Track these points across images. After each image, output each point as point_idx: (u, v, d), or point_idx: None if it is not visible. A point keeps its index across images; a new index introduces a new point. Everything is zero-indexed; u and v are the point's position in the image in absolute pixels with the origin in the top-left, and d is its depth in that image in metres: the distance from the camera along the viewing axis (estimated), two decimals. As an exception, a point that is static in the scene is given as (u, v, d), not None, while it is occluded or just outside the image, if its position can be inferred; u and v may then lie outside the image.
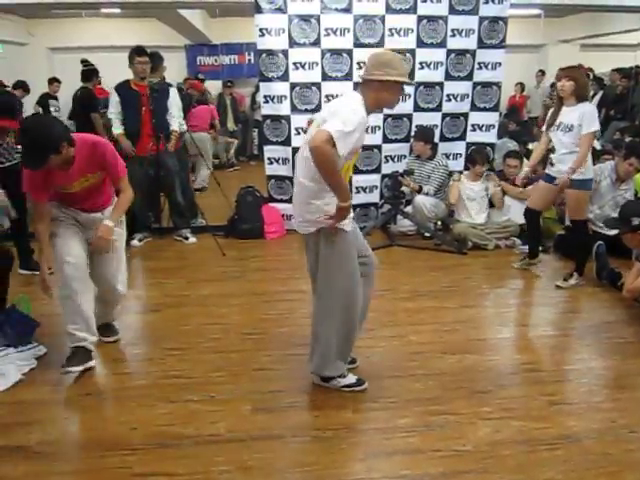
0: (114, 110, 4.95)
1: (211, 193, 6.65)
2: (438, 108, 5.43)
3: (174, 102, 5.11)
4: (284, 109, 5.25)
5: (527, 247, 4.58)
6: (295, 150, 5.32)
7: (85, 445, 2.41)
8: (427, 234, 5.30)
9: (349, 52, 5.15)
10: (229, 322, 3.55)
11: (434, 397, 2.68)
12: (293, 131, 5.29)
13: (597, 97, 8.62)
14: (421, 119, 5.41)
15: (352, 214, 2.55)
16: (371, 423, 2.50)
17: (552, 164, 4.04)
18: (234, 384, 2.81)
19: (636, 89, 8.43)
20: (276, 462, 2.26)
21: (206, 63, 11.24)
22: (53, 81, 8.90)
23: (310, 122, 2.82)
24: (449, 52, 5.25)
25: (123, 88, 4.95)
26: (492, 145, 5.62)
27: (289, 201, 5.51)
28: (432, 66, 5.25)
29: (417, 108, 5.38)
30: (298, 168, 2.57)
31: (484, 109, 5.47)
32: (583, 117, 3.76)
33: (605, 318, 3.59)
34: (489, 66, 5.33)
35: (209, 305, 3.81)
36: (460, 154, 5.61)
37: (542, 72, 10.52)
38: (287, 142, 5.33)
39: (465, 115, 5.46)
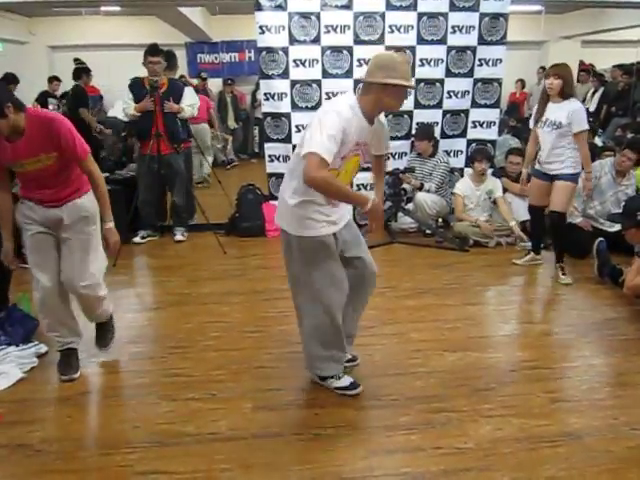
0: (125, 105, 5.01)
1: (212, 191, 6.64)
2: (439, 105, 5.41)
3: (187, 98, 5.12)
4: (284, 107, 5.24)
5: (529, 244, 4.59)
6: (296, 147, 5.32)
7: (87, 443, 2.40)
8: (428, 231, 5.30)
9: (349, 49, 5.14)
10: (230, 320, 3.55)
11: (435, 395, 2.68)
12: (294, 128, 5.28)
13: (598, 94, 8.60)
14: (422, 116, 5.40)
15: (338, 216, 2.51)
16: (372, 421, 2.50)
17: (540, 161, 4.08)
18: (235, 382, 2.81)
19: (637, 85, 8.40)
20: (277, 460, 2.26)
21: (206, 61, 11.22)
22: (53, 79, 8.86)
23: None
24: (449, 49, 5.23)
25: (136, 86, 4.96)
26: (493, 142, 5.60)
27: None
28: (432, 63, 5.24)
29: (418, 105, 5.37)
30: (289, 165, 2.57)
31: (485, 106, 5.46)
32: (573, 116, 3.80)
33: (607, 315, 3.58)
34: (490, 63, 5.31)
35: (210, 303, 3.81)
36: (461, 151, 5.60)
37: (543, 69, 10.47)
38: (288, 139, 5.32)
39: (466, 112, 5.45)
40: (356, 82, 5.22)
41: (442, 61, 5.27)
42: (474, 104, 5.45)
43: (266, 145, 5.47)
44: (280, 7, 5.00)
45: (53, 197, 2.70)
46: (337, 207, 2.50)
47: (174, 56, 5.56)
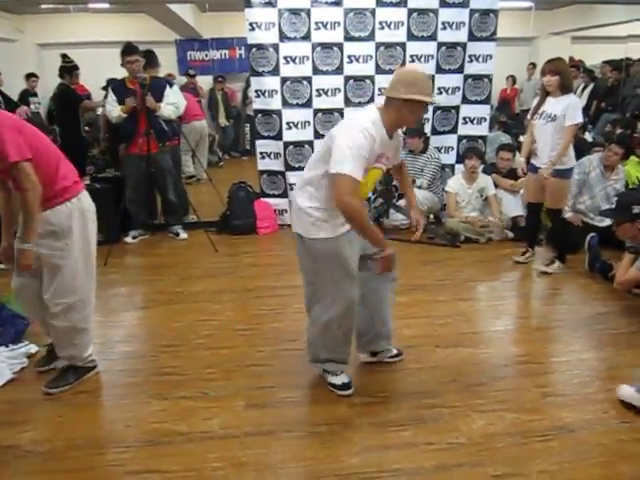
0: (111, 107, 4.91)
1: (203, 189, 6.62)
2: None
3: (169, 97, 5.04)
4: (275, 103, 5.22)
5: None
6: (287, 144, 5.32)
7: (78, 443, 2.38)
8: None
9: (340, 46, 5.13)
10: (222, 318, 3.53)
11: (427, 391, 2.68)
12: (284, 125, 5.27)
13: (588, 89, 8.64)
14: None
15: None
16: (365, 417, 2.49)
17: (536, 154, 4.09)
18: (227, 380, 2.80)
19: (627, 81, 8.45)
20: (270, 458, 2.25)
21: (197, 58, 11.16)
22: (30, 76, 8.57)
23: None
24: (440, 45, 5.23)
25: (119, 87, 4.91)
26: (484, 138, 5.61)
27: (282, 196, 5.52)
28: (423, 59, 5.23)
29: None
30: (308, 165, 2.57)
31: (475, 102, 5.46)
32: (567, 109, 3.81)
33: (597, 310, 3.60)
34: (480, 59, 5.32)
35: (201, 301, 3.80)
36: (452, 147, 5.61)
37: (533, 65, 10.52)
38: (279, 136, 5.31)
39: (456, 108, 5.45)
40: (347, 78, 5.23)
41: (432, 57, 5.26)
42: (465, 100, 5.45)
43: (257, 142, 5.45)
44: (270, 4, 4.98)
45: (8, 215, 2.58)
46: None
47: (153, 54, 5.49)
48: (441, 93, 5.38)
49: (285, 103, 5.23)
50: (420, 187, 5.26)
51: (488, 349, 3.12)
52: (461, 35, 5.23)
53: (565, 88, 3.88)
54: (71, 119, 6.04)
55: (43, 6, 9.01)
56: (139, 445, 2.33)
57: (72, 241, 2.58)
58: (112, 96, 4.92)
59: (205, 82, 10.43)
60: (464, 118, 5.51)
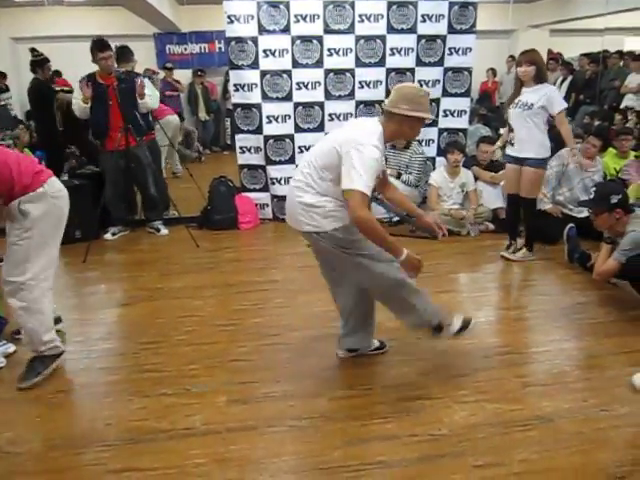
0: (76, 100, 4.82)
1: (184, 184, 6.55)
2: (410, 94, 5.41)
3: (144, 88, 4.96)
4: (255, 97, 5.19)
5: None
6: (267, 138, 5.29)
7: (58, 443, 2.35)
8: (396, 218, 5.31)
9: (319, 39, 5.10)
10: (203, 314, 3.51)
11: (410, 382, 2.69)
12: (264, 119, 5.24)
13: (567, 82, 8.72)
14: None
15: None
16: (347, 411, 2.49)
17: (512, 144, 4.13)
18: (209, 376, 2.78)
19: (604, 74, 8.54)
20: (252, 453, 2.24)
21: (176, 52, 11.02)
22: None
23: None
24: (420, 38, 5.23)
25: (90, 81, 4.80)
26: (464, 131, 5.64)
27: (263, 190, 5.50)
28: (403, 52, 5.23)
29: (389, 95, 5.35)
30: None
31: (455, 95, 5.48)
32: (548, 99, 3.89)
33: (577, 299, 3.65)
34: (460, 51, 5.33)
35: (183, 297, 3.77)
36: (432, 140, 5.62)
37: (512, 58, 10.56)
38: (259, 130, 5.27)
39: (437, 101, 5.46)
40: (327, 72, 5.20)
41: (412, 50, 5.26)
42: (445, 93, 5.46)
43: (237, 136, 5.41)
44: (249, -4, 4.94)
45: None
46: None
47: (126, 49, 5.42)
48: (421, 86, 5.37)
49: (265, 97, 5.19)
50: (406, 182, 5.26)
51: (469, 340, 3.12)
52: (441, 28, 5.23)
53: (540, 78, 3.94)
54: (46, 114, 5.93)
55: (17, -1, 8.84)
56: (120, 443, 2.31)
57: (29, 222, 2.62)
58: (79, 90, 4.81)
59: (184, 76, 10.33)
60: (444, 111, 5.52)
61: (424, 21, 5.20)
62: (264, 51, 5.08)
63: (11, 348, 3.03)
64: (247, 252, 4.82)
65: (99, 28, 9.38)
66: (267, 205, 5.54)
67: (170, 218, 5.44)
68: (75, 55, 8.75)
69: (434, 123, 5.54)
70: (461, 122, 5.58)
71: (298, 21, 5.05)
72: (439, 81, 5.39)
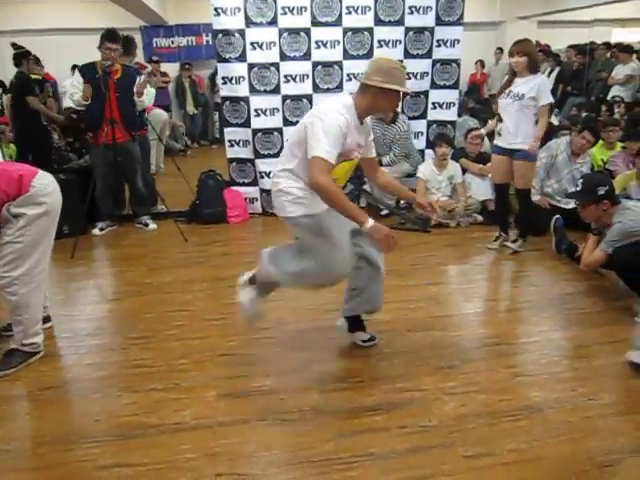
0: (74, 90, 4.76)
1: (171, 178, 6.51)
2: (399, 86, 5.40)
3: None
4: (242, 90, 5.16)
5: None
6: (255, 132, 5.26)
7: (47, 440, 2.33)
8: (384, 212, 5.31)
9: (307, 31, 5.08)
10: (193, 309, 3.50)
11: (400, 375, 2.70)
12: (253, 112, 5.21)
13: (554, 73, 8.76)
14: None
15: None
16: (337, 403, 2.50)
17: (500, 134, 4.14)
18: (198, 371, 2.77)
19: (591, 65, 8.59)
20: (243, 447, 2.24)
21: (162, 45, 10.93)
22: None
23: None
24: (407, 30, 5.21)
25: (89, 70, 4.74)
26: (453, 123, 5.64)
27: (251, 184, 5.48)
28: (391, 44, 5.22)
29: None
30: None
31: (444, 87, 5.47)
32: (538, 90, 3.90)
33: (565, 290, 3.67)
34: (448, 43, 5.32)
35: (172, 292, 3.75)
36: (422, 132, 5.62)
37: (500, 50, 10.61)
38: (247, 124, 5.25)
39: (425, 93, 5.46)
40: (315, 64, 5.18)
41: (400, 42, 5.24)
42: (433, 85, 5.46)
43: (225, 130, 5.38)
44: (235, -12, 4.90)
45: None
46: None
47: (133, 42, 5.39)
48: (410, 78, 5.35)
49: (253, 90, 5.16)
50: (389, 164, 5.23)
51: (459, 332, 3.16)
52: (428, 20, 5.22)
53: (533, 69, 3.94)
54: (27, 107, 5.85)
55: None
56: (109, 439, 2.30)
57: (23, 221, 2.67)
58: (79, 78, 4.76)
59: (172, 69, 10.25)
60: (433, 103, 5.52)
61: (411, 13, 5.19)
62: (251, 44, 5.05)
63: None
64: (237, 246, 4.81)
65: (85, 21, 9.34)
66: (256, 199, 5.52)
67: (158, 213, 5.41)
68: (60, 48, 8.69)
69: (423, 115, 5.54)
70: (450, 114, 5.59)
71: (285, 13, 5.01)
72: (427, 73, 5.39)
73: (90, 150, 5.08)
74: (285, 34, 5.05)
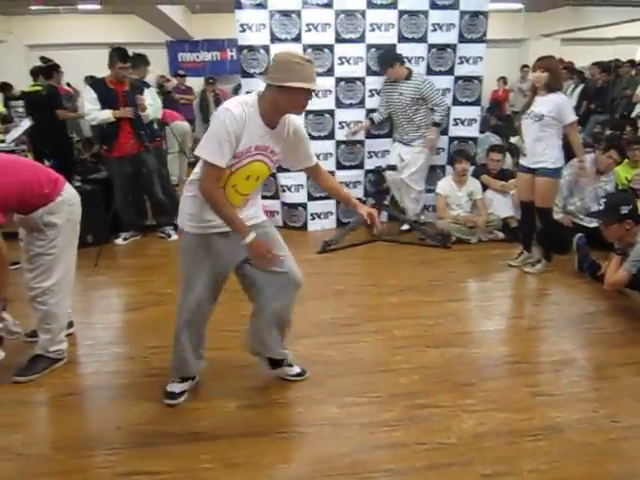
0: (94, 106, 4.84)
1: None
2: (420, 103, 5.43)
3: (148, 96, 5.04)
4: (266, 105, 5.20)
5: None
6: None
7: (68, 445, 2.37)
8: (405, 227, 5.32)
9: (330, 47, 5.13)
10: (213, 320, 3.45)
11: (418, 391, 2.69)
12: (275, 127, 5.25)
13: (578, 90, 8.71)
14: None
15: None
16: (355, 418, 2.50)
17: (524, 154, 4.12)
18: (218, 381, 2.79)
19: (615, 83, 8.52)
20: (261, 459, 2.25)
21: (188, 60, 11.15)
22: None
23: None
24: (430, 47, 5.25)
25: (99, 86, 4.85)
26: (474, 139, 5.63)
27: (272, 197, 5.52)
28: (414, 61, 5.24)
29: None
30: None
31: (466, 103, 5.48)
32: (559, 110, 3.88)
33: (586, 309, 3.63)
34: (470, 60, 5.33)
35: (192, 303, 3.77)
36: (443, 149, 5.61)
37: (526, 67, 10.61)
38: (270, 138, 5.29)
39: (448, 109, 5.46)
40: (338, 80, 5.23)
41: (423, 59, 5.28)
42: (455, 102, 5.47)
43: (248, 143, 5.43)
44: (261, 5, 4.97)
45: None
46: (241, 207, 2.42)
47: (142, 58, 5.52)
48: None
49: (276, 104, 5.21)
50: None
51: (478, 349, 3.13)
52: (451, 37, 5.25)
53: (552, 87, 3.91)
54: (59, 122, 6.00)
55: (32, 7, 8.97)
56: (129, 447, 2.33)
57: (56, 232, 2.74)
58: (91, 94, 4.82)
59: (196, 83, 10.43)
60: (455, 119, 5.52)
61: (435, 30, 5.22)
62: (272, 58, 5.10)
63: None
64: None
65: (111, 36, 9.55)
66: (277, 212, 5.56)
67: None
68: (87, 62, 8.89)
69: (445, 132, 5.54)
70: (471, 131, 5.58)
71: (310, 30, 5.08)
72: (449, 90, 5.40)
73: (106, 163, 5.18)
74: (309, 50, 5.11)
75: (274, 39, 5.06)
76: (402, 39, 5.20)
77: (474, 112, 5.54)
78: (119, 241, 5.11)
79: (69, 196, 2.82)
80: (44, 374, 2.86)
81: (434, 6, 5.15)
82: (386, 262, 4.61)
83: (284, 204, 5.50)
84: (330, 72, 5.19)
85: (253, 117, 2.22)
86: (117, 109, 4.77)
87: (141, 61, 5.58)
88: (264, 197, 5.46)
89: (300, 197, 5.37)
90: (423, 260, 4.60)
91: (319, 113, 5.29)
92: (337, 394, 2.67)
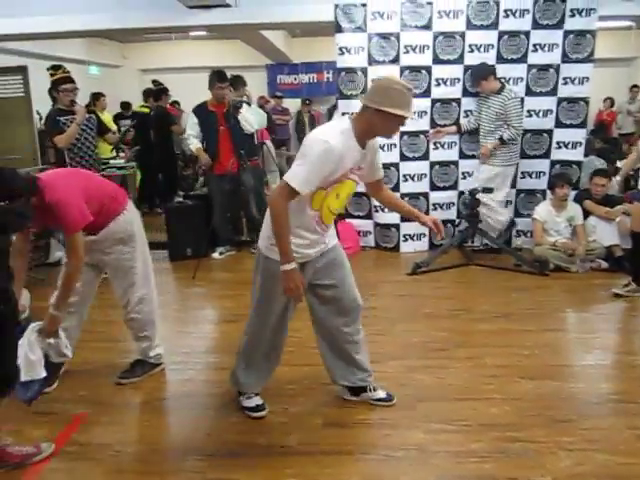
0: (192, 131, 5.16)
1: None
2: (519, 124, 5.28)
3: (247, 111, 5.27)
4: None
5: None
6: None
7: (161, 447, 2.49)
8: (495, 246, 5.18)
9: (428, 69, 5.13)
10: (301, 336, 3.54)
11: (511, 423, 2.58)
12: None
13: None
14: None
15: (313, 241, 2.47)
16: (443, 445, 2.43)
17: None
18: (306, 397, 2.83)
19: None
20: (345, 478, 2.24)
21: (286, 82, 11.54)
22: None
23: None
24: (530, 67, 5.11)
25: (201, 110, 5.15)
26: (579, 163, 5.38)
27: (366, 217, 5.56)
28: (512, 81, 5.12)
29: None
30: None
31: (570, 125, 5.25)
32: None
33: (702, 349, 3.34)
34: (575, 81, 5.12)
35: (283, 318, 3.86)
36: (543, 172, 5.39)
37: (636, 87, 10.03)
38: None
39: (549, 132, 5.27)
40: (434, 101, 5.21)
41: (522, 79, 5.14)
42: (558, 124, 5.26)
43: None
44: (360, 29, 5.08)
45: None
46: (318, 234, 2.47)
47: (240, 79, 5.87)
48: (531, 116, 5.23)
49: (372, 126, 5.26)
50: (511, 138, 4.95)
51: (577, 384, 2.96)
52: (554, 57, 5.07)
53: None
54: (167, 139, 6.41)
55: (146, 35, 9.67)
56: (218, 454, 2.40)
57: (136, 243, 2.91)
58: (193, 119, 5.17)
59: (293, 104, 10.75)
60: (558, 142, 5.30)
61: (535, 50, 5.08)
62: (373, 81, 5.16)
63: None
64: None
65: (217, 60, 10.08)
66: (370, 232, 5.58)
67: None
68: (193, 85, 9.42)
69: (546, 155, 5.33)
70: (575, 154, 5.33)
71: (408, 52, 5.11)
72: (551, 111, 5.21)
73: (206, 180, 5.45)
74: (406, 72, 5.13)
75: (372, 61, 5.14)
76: (500, 59, 5.10)
77: (579, 135, 5.31)
78: (216, 255, 5.33)
79: (132, 207, 3.00)
80: (143, 378, 3.03)
81: (537, 26, 5.02)
82: (479, 287, 4.49)
83: (377, 224, 5.51)
84: (427, 93, 5.18)
85: (350, 144, 2.29)
86: (218, 130, 5.03)
87: (239, 82, 5.88)
88: (357, 217, 5.56)
89: (393, 218, 5.35)
90: (518, 287, 4.42)
91: (414, 134, 5.28)
92: (424, 419, 2.62)
